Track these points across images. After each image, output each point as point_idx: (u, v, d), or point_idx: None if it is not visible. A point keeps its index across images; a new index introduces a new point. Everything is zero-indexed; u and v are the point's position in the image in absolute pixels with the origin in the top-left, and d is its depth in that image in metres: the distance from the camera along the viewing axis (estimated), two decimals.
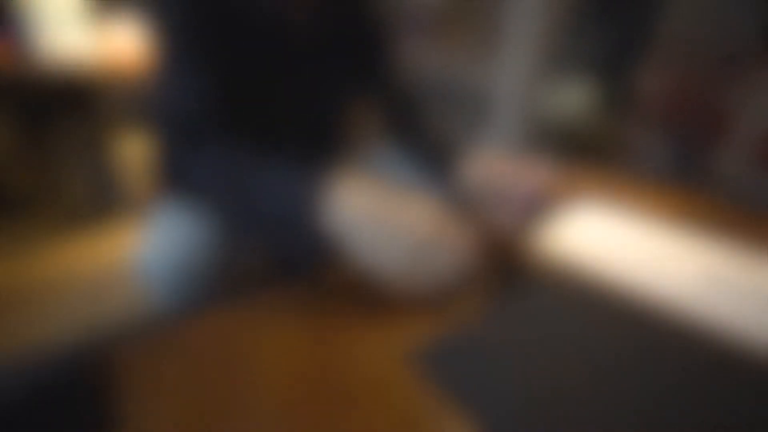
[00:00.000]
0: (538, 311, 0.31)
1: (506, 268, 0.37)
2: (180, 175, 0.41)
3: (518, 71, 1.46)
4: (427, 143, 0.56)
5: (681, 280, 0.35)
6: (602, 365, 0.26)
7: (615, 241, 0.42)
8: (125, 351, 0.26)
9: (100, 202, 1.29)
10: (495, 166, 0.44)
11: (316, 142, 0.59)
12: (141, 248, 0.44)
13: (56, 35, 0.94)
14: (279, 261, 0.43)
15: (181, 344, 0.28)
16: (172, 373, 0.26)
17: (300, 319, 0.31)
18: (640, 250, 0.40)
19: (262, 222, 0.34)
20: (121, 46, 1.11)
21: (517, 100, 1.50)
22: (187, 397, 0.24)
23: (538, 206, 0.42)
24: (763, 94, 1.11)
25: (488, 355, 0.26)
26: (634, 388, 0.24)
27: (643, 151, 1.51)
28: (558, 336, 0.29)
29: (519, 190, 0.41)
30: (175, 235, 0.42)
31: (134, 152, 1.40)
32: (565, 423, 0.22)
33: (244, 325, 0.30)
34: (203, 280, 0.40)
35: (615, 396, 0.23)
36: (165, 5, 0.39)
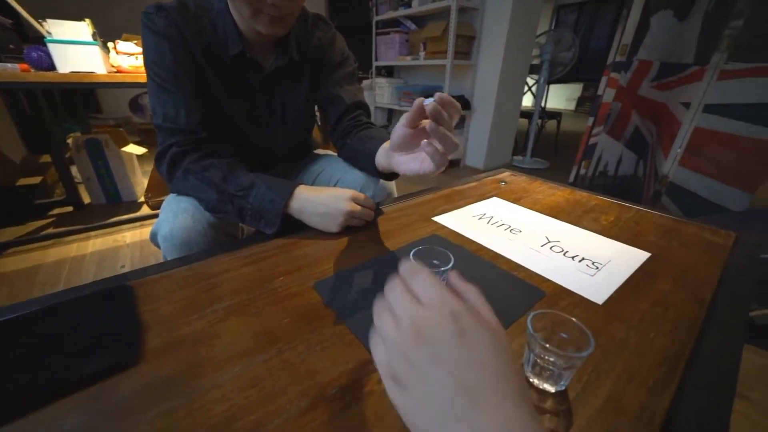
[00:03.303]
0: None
1: None
2: (171, 175, 0.57)
3: None
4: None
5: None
6: None
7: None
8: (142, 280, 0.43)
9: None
10: None
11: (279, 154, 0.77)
12: (157, 224, 0.57)
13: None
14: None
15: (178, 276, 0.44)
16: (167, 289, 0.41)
17: (252, 264, 0.47)
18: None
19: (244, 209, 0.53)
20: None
21: None
22: (177, 305, 0.39)
23: None
24: None
25: (352, 286, 0.43)
26: None
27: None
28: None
29: None
30: (174, 217, 0.55)
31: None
32: None
33: (220, 266, 0.47)
34: (192, 244, 0.54)
35: None
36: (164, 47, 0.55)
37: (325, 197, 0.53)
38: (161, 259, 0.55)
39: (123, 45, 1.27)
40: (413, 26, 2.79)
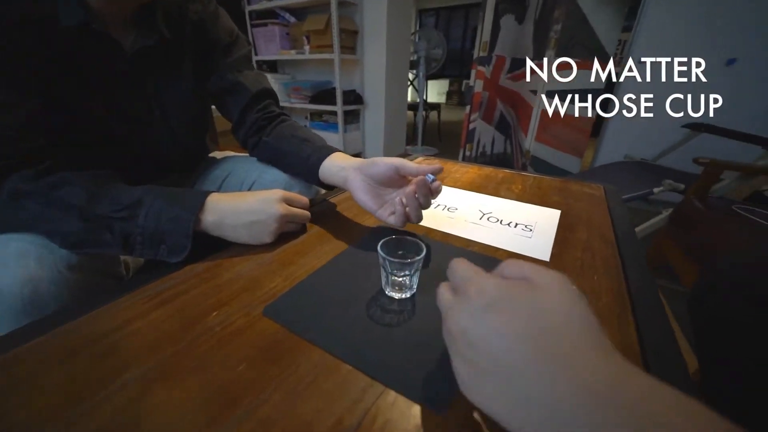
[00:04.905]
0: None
1: None
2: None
3: None
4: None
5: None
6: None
7: None
8: None
9: None
10: None
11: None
12: None
13: None
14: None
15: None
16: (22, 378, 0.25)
17: (166, 304, 0.34)
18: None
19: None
20: None
21: None
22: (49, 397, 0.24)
23: None
24: None
25: (314, 299, 0.35)
26: None
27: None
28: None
29: None
30: (3, 267, 0.36)
31: None
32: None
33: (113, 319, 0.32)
34: (46, 300, 0.37)
35: None
36: None
37: (250, 203, 0.43)
38: None
39: None
40: (292, 18, 2.64)
